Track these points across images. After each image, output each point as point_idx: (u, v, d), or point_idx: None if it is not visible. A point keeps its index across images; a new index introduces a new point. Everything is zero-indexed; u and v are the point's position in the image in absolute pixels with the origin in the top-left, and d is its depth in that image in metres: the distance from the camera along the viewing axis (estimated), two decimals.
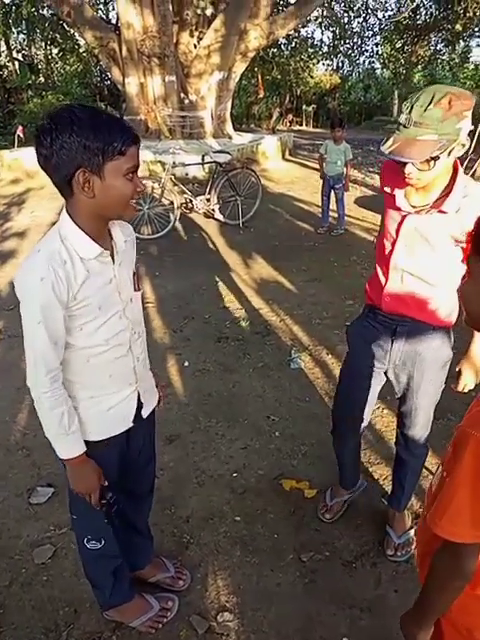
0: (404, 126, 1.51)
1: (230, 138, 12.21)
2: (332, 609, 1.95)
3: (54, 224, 1.40)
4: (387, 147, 1.53)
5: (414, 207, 1.70)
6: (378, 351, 1.94)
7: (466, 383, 1.98)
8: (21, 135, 10.29)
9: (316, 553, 2.18)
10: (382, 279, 1.84)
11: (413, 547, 2.17)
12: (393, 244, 1.77)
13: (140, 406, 1.66)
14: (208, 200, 6.85)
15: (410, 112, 1.50)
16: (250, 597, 2.00)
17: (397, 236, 1.74)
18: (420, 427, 2.04)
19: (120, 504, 1.66)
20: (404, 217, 1.71)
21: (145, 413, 1.69)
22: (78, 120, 1.23)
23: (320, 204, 6.95)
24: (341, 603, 1.97)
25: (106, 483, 1.57)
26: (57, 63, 20.69)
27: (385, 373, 2.01)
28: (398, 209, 1.72)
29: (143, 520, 1.97)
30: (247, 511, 2.40)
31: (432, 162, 1.51)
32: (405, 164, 1.55)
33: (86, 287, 1.35)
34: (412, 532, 2.23)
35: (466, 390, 2.01)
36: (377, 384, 2.05)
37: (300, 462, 2.72)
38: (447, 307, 1.82)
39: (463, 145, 1.54)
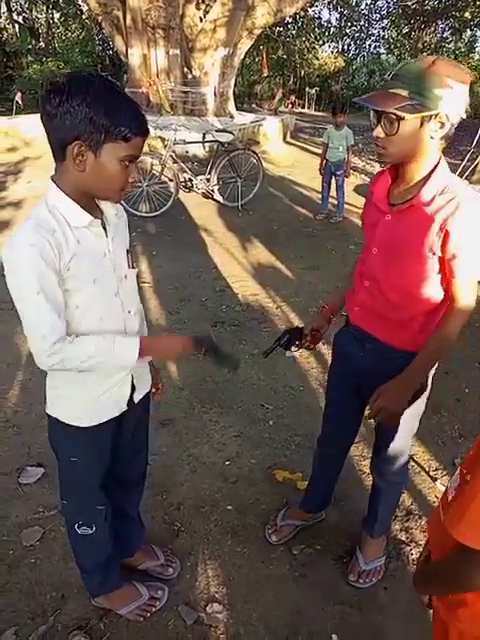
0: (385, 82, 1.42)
1: (232, 117, 12.00)
2: (321, 604, 1.94)
3: None
4: (360, 98, 1.43)
5: (393, 205, 1.55)
6: (352, 367, 1.81)
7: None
8: (19, 101, 10.03)
9: (307, 546, 2.17)
10: (356, 289, 1.74)
11: (380, 576, 2.04)
12: (368, 251, 1.65)
13: (133, 390, 1.61)
14: (208, 180, 6.74)
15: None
16: (240, 589, 1.98)
17: (373, 241, 1.62)
18: (394, 455, 1.86)
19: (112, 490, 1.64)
20: (380, 218, 1.58)
21: (137, 398, 1.64)
22: (94, 91, 1.18)
23: (320, 189, 6.89)
24: (330, 599, 1.96)
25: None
26: (58, 28, 20.24)
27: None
28: (376, 209, 1.60)
29: (134, 507, 1.94)
30: (239, 500, 2.38)
31: (397, 123, 1.36)
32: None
33: (79, 258, 1.30)
34: (383, 560, 2.08)
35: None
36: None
37: (293, 453, 2.71)
38: (416, 328, 1.63)
39: (442, 124, 1.37)
